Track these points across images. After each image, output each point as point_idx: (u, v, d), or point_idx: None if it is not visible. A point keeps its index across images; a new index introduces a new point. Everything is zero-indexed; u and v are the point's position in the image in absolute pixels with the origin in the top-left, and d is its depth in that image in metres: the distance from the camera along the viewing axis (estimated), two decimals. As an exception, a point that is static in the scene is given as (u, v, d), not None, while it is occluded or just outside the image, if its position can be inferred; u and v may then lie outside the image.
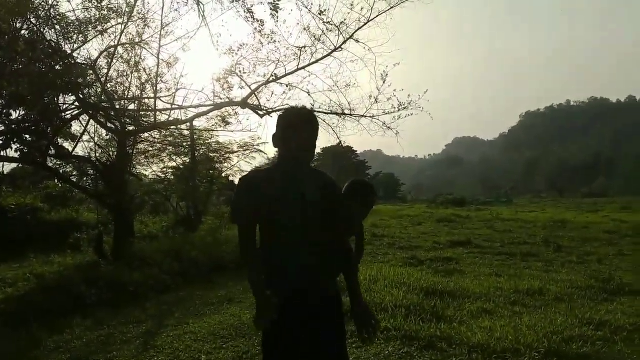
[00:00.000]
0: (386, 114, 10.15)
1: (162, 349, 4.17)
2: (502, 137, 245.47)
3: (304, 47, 9.83)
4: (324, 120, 10.63)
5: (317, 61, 10.02)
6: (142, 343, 4.41)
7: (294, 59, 9.98)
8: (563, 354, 3.47)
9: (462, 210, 27.27)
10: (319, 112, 10.46)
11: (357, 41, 9.67)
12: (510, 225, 16.20)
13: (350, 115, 10.45)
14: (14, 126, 9.49)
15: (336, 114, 10.52)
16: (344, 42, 9.71)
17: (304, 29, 9.69)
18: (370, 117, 10.31)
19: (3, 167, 12.09)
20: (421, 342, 3.84)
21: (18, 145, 9.77)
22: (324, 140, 26.27)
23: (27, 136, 9.88)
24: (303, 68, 10.07)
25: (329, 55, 9.94)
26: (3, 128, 9.51)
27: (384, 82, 9.70)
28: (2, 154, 9.48)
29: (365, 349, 3.79)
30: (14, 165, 13.95)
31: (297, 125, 2.11)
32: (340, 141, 11.91)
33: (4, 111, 9.44)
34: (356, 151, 72.14)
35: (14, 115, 9.65)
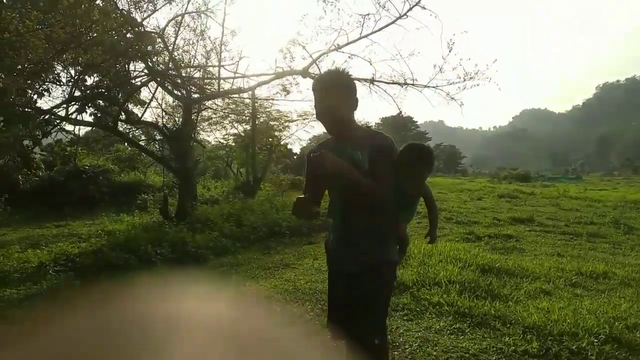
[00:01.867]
0: (450, 84, 9.82)
1: (220, 309, 4.38)
2: (576, 110, 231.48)
3: (368, 14, 9.63)
4: (384, 90, 10.48)
5: (380, 29, 9.78)
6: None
7: (357, 27, 9.82)
8: (626, 341, 3.31)
9: (526, 185, 26.17)
10: (379, 81, 10.30)
11: (424, 8, 9.31)
12: (577, 204, 15.41)
13: (413, 85, 10.19)
14: (88, 92, 10.06)
15: (398, 83, 10.31)
16: (410, 9, 9.39)
17: (369, -5, 9.47)
18: (433, 87, 10.02)
19: (79, 130, 12.90)
20: (474, 319, 3.81)
21: (92, 110, 10.40)
22: (383, 110, 25.96)
23: (100, 101, 10.47)
24: (366, 36, 9.88)
25: (393, 22, 9.67)
26: (79, 94, 10.11)
27: (450, 51, 9.34)
28: (77, 117, 10.12)
29: (416, 322, 3.82)
30: (88, 128, 14.83)
31: (314, 92, 2.15)
32: (400, 111, 11.70)
33: (80, 77, 10.01)
34: (416, 121, 70.59)
35: (89, 81, 10.24)
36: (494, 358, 3.15)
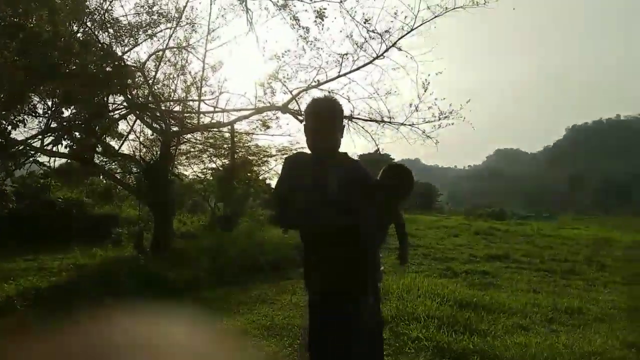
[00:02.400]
0: (426, 122, 10.05)
1: (195, 344, 4.26)
2: (547, 151, 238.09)
3: (346, 54, 9.90)
4: (362, 127, 10.67)
5: (358, 68, 10.05)
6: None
7: (335, 66, 10.06)
8: (602, 375, 3.35)
9: (501, 223, 26.56)
10: (357, 118, 10.49)
11: (400, 49, 9.64)
12: (551, 241, 15.67)
13: (390, 122, 10.40)
14: (65, 124, 9.95)
15: (375, 121, 10.51)
16: (387, 50, 9.70)
17: (347, 36, 9.75)
18: (409, 125, 10.24)
19: (54, 162, 12.67)
20: (453, 354, 3.79)
21: (68, 142, 10.25)
22: (361, 147, 26.22)
23: (77, 133, 10.35)
24: (344, 75, 10.12)
25: (370, 62, 9.95)
26: (55, 125, 9.99)
27: (425, 91, 9.61)
28: (53, 149, 9.96)
29: (395, 357, 3.78)
30: (63, 160, 14.58)
31: (309, 117, 2.20)
32: (378, 148, 11.88)
33: (57, 109, 9.91)
34: (393, 159, 71.50)
35: (66, 113, 10.14)
36: (473, 393, 3.14)
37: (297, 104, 10.52)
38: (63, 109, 10.13)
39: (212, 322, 4.99)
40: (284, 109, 10.58)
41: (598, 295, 6.80)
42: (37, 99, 10.00)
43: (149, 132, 11.97)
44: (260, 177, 19.20)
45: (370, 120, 10.56)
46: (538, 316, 5.20)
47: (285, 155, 16.22)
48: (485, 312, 5.16)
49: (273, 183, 23.67)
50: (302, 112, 10.38)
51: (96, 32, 9.24)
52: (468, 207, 55.57)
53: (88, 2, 8.98)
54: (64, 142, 10.23)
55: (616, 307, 5.92)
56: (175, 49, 10.51)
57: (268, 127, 11.92)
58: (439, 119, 9.86)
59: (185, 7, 9.79)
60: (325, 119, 2.14)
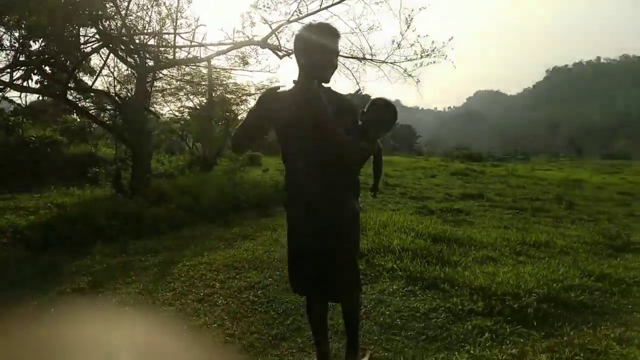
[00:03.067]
0: (408, 60, 9.97)
1: (178, 277, 4.40)
2: (527, 92, 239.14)
3: (328, -16, 9.54)
4: (343, 64, 10.51)
5: (340, 1, 9.73)
6: (159, 270, 4.65)
7: (317, -2, 9.71)
8: (561, 300, 3.59)
9: (477, 164, 27.10)
10: (339, 55, 10.31)
11: (383, -19, 9.36)
12: (524, 182, 16.12)
13: (371, 60, 10.27)
14: (34, 57, 9.52)
15: (356, 58, 10.36)
16: (370, -19, 9.40)
17: (330, -35, 9.37)
18: (391, 63, 10.15)
19: (26, 97, 12.21)
20: (425, 282, 4.00)
21: (38, 77, 9.85)
22: (342, 85, 26.01)
23: (47, 68, 9.94)
24: (326, 8, 9.77)
25: (353, -6, 9.65)
26: (23, 59, 9.55)
27: (408, 27, 9.45)
28: (23, 84, 9.57)
29: (371, 286, 3.97)
30: (34, 97, 14.09)
31: (317, 36, 2.13)
32: (360, 88, 11.77)
33: (24, 42, 9.44)
34: (374, 100, 71.03)
35: (34, 46, 9.67)
36: (442, 316, 3.35)
37: (277, 38, 10.22)
38: (31, 42, 9.66)
39: (193, 257, 5.11)
40: (263, 43, 10.27)
41: (565, 231, 7.12)
42: (3, 31, 9.50)
43: (123, 67, 11.56)
44: (239, 117, 18.97)
45: (352, 57, 10.41)
46: (507, 249, 5.44)
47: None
48: (457, 245, 5.40)
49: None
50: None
51: (63, -42, 8.65)
52: (446, 148, 56.28)
53: None
54: (34, 77, 9.84)
55: (581, 241, 6.21)
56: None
57: (247, 63, 11.62)
58: (421, 57, 9.79)
59: None
60: (333, 36, 2.14)
